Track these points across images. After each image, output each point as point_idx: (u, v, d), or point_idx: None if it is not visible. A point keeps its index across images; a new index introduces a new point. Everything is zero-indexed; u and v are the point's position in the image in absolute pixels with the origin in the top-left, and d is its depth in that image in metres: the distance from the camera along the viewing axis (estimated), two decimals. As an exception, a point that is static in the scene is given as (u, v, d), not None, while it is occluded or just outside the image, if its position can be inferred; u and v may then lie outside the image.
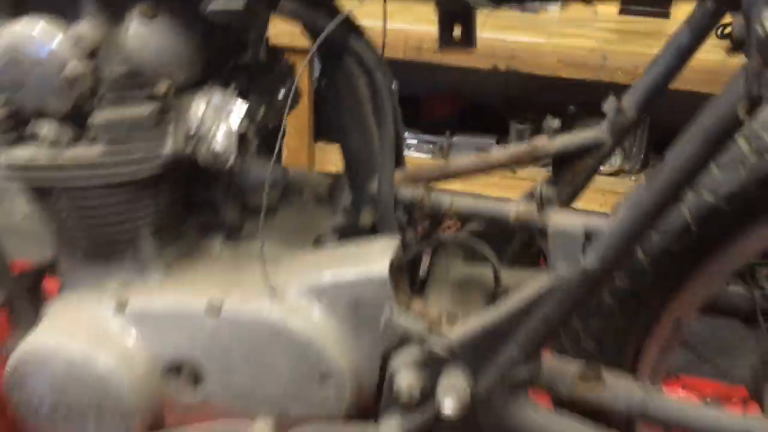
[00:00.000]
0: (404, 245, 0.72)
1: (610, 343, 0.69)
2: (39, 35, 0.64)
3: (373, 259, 0.69)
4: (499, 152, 0.76)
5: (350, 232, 0.75)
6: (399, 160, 0.77)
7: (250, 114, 0.69)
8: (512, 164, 0.74)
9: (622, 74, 2.09)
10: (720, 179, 0.61)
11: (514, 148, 0.75)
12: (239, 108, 0.68)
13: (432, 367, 0.67)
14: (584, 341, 0.70)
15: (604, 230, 0.59)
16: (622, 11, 2.69)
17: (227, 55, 0.72)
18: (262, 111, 0.73)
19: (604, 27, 2.46)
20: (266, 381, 0.71)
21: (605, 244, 0.58)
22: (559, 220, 0.62)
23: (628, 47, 2.12)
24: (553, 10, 2.66)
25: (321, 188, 0.84)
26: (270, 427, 0.72)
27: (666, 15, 2.68)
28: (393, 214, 0.72)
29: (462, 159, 0.76)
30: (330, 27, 0.62)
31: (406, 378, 0.67)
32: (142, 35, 0.65)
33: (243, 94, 0.70)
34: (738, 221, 0.62)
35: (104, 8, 0.64)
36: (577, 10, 2.60)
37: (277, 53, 0.78)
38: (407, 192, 0.71)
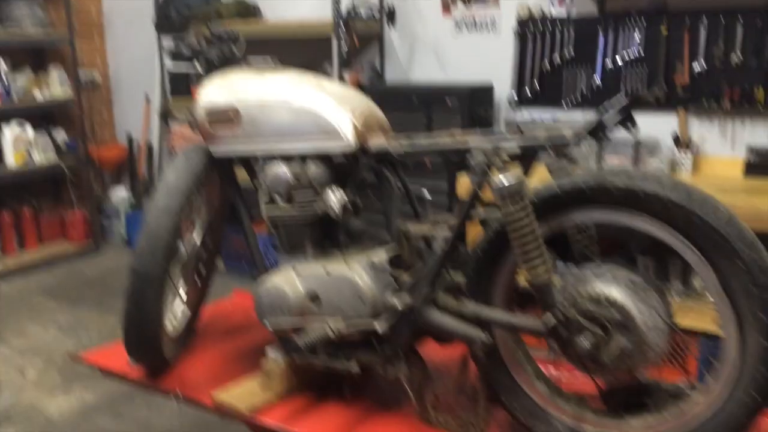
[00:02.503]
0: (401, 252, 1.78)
1: (474, 289, 1.63)
2: (281, 169, 1.85)
3: (381, 255, 1.75)
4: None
5: (384, 247, 1.82)
6: (417, 217, 1.85)
7: (349, 199, 1.82)
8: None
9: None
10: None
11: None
12: (343, 195, 1.81)
13: (399, 295, 1.69)
14: (466, 290, 1.65)
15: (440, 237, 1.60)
16: (746, 174, 3.44)
17: (344, 176, 1.87)
18: (357, 199, 1.86)
19: (731, 187, 3.22)
20: (341, 300, 1.78)
21: (446, 242, 1.59)
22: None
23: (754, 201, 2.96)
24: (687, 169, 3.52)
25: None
26: (342, 323, 1.77)
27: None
28: (398, 238, 1.78)
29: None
30: (366, 162, 1.74)
31: (389, 299, 1.70)
32: (312, 170, 1.83)
33: (347, 191, 1.84)
34: (503, 240, 1.56)
35: (300, 161, 1.85)
36: (706, 173, 3.48)
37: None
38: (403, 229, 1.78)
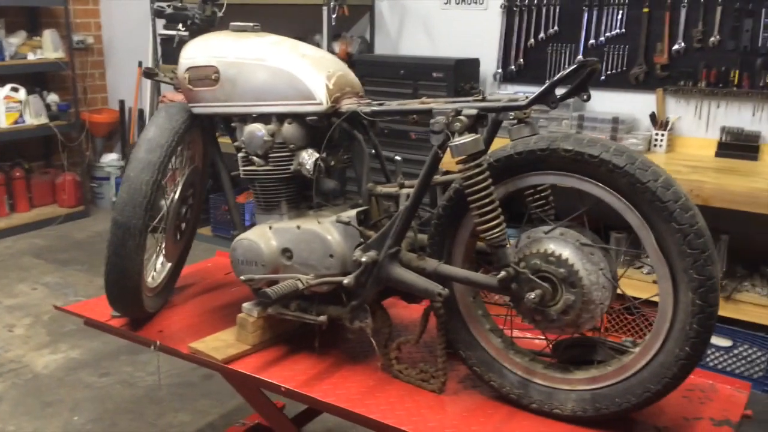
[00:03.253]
0: (369, 211, 1.87)
1: (436, 247, 1.73)
2: (257, 128, 1.94)
3: (350, 213, 1.84)
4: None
5: (355, 207, 1.91)
6: (387, 180, 1.94)
7: (322, 159, 1.91)
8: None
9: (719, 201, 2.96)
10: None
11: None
12: (316, 155, 1.90)
13: (365, 249, 1.78)
14: (428, 248, 1.75)
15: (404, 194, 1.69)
16: (717, 154, 3.54)
17: (318, 137, 1.96)
18: (331, 159, 1.95)
19: (702, 166, 3.31)
20: (312, 255, 1.87)
21: (410, 199, 1.68)
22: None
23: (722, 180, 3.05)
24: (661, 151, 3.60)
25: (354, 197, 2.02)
26: (313, 277, 1.87)
27: (755, 158, 3.44)
28: (367, 199, 1.87)
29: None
30: (337, 122, 1.83)
31: (357, 254, 1.79)
32: (287, 129, 1.92)
33: (320, 151, 1.93)
34: (463, 201, 1.65)
35: (276, 121, 1.93)
36: (680, 152, 3.56)
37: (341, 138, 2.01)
38: (371, 189, 1.87)
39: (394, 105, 1.85)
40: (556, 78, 1.52)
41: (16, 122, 5.27)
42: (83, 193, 5.85)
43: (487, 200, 1.56)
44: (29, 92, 5.35)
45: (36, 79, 5.56)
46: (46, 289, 4.36)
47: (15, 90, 5.23)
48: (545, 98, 1.53)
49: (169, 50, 5.19)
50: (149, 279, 2.24)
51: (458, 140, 1.55)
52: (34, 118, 5.38)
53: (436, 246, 1.74)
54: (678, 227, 1.42)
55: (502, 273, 1.58)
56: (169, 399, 3.14)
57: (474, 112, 1.58)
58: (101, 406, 3.09)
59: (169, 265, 2.33)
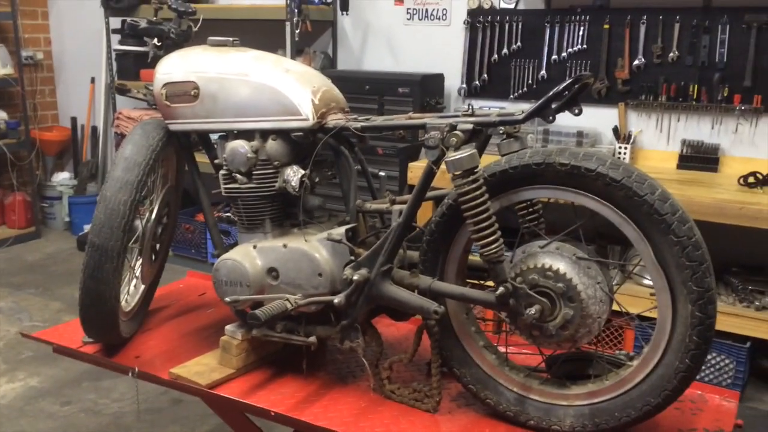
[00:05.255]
0: (357, 228, 1.84)
1: (429, 264, 1.71)
2: (240, 145, 1.88)
3: (339, 230, 1.80)
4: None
5: (342, 224, 1.88)
6: (373, 197, 1.91)
7: (307, 176, 1.87)
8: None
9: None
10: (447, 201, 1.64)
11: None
12: (301, 172, 1.86)
13: (356, 267, 1.75)
14: (420, 265, 1.72)
15: (397, 211, 1.66)
16: (679, 166, 3.61)
17: (302, 154, 1.92)
18: (315, 176, 1.91)
19: (665, 178, 3.37)
20: (300, 275, 1.82)
21: (403, 216, 1.66)
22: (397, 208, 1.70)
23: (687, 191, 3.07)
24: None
25: (341, 215, 1.99)
26: (301, 297, 1.82)
27: (714, 169, 3.52)
28: (355, 216, 1.83)
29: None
30: (324, 138, 1.79)
31: (347, 272, 1.75)
32: (271, 146, 1.87)
33: (307, 168, 1.89)
34: (456, 216, 1.63)
35: (260, 137, 1.88)
36: (642, 164, 3.62)
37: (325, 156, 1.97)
38: (360, 206, 1.84)
39: (380, 120, 1.82)
40: (552, 92, 1.52)
41: (-38, 141, 5.05)
42: (34, 213, 5.63)
43: (483, 215, 1.54)
44: (-24, 109, 5.14)
45: (-17, 95, 5.35)
46: (-1, 315, 4.16)
47: (-39, 107, 5.02)
48: (542, 112, 1.53)
49: (125, 65, 5.07)
50: (123, 302, 2.14)
51: (454, 155, 1.53)
52: (-18, 137, 5.17)
53: (428, 263, 1.71)
54: (676, 240, 1.43)
55: (501, 289, 1.57)
56: (138, 426, 3.02)
57: (469, 126, 1.57)
58: (65, 437, 2.95)
59: (143, 287, 2.24)
